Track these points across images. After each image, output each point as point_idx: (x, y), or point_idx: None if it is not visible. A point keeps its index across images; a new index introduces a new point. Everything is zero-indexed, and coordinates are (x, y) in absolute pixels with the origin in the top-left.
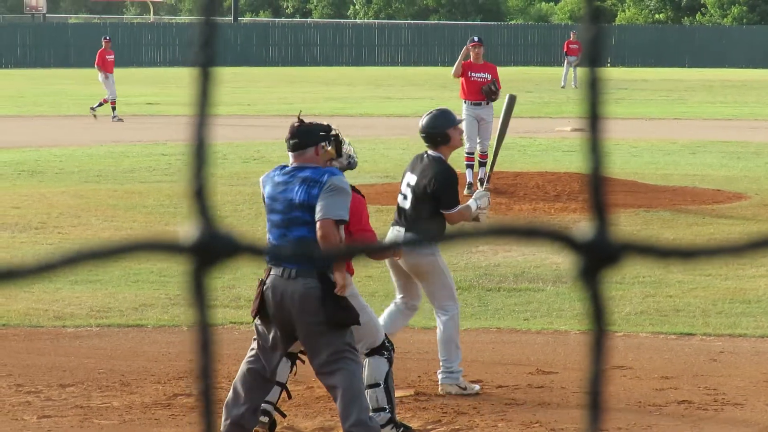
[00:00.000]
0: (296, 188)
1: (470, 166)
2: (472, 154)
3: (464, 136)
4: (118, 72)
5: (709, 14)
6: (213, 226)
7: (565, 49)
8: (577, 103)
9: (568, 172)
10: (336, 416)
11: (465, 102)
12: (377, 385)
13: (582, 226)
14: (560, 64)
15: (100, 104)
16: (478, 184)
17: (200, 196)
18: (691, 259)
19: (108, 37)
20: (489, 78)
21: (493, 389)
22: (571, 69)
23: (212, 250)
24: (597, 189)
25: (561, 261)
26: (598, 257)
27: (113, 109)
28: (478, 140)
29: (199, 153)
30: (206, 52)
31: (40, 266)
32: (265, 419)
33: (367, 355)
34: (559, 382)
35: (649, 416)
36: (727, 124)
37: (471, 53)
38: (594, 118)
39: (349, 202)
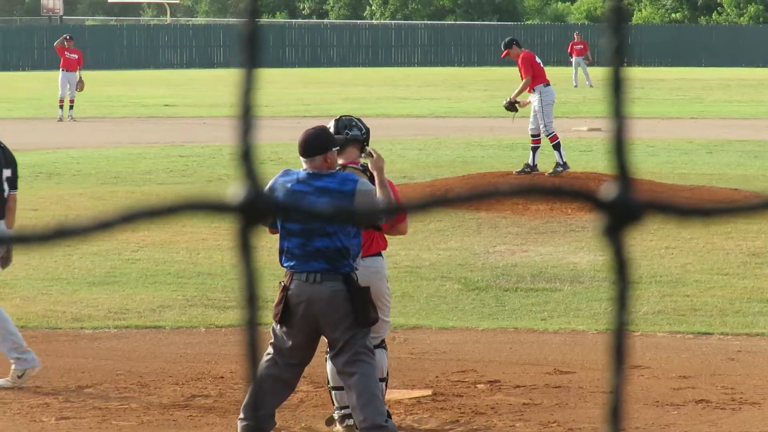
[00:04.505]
0: (315, 199)
1: (533, 149)
2: (534, 136)
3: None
4: (134, 74)
5: (725, 13)
6: (259, 187)
7: (569, 50)
8: (593, 103)
9: (585, 172)
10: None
11: None
12: (383, 379)
13: (606, 185)
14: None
15: (70, 107)
16: (557, 167)
17: (247, 158)
18: (710, 217)
19: (69, 36)
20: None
21: (511, 389)
22: (580, 68)
23: (258, 209)
24: (620, 150)
25: (578, 261)
26: (621, 215)
27: (68, 107)
28: (541, 125)
29: (246, 117)
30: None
31: (98, 224)
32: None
33: (375, 347)
34: (576, 381)
35: (666, 415)
36: (744, 123)
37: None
38: (617, 82)
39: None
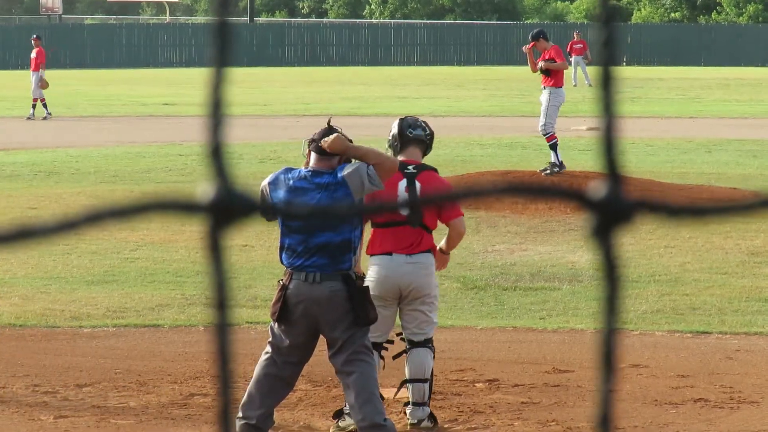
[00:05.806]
0: (316, 195)
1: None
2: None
3: None
4: (134, 73)
5: (724, 13)
6: (230, 185)
7: (569, 49)
8: (592, 102)
9: (584, 171)
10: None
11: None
12: (425, 380)
13: (594, 184)
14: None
15: (33, 105)
16: (554, 167)
17: (217, 155)
18: (702, 217)
19: (35, 36)
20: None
21: (510, 388)
22: (579, 68)
23: (229, 208)
24: (609, 148)
25: (577, 260)
26: (610, 215)
27: (34, 107)
28: (542, 123)
29: (216, 112)
30: (223, 12)
31: (63, 224)
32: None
33: (418, 345)
34: (575, 380)
35: (665, 414)
36: (743, 123)
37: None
38: (607, 77)
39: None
